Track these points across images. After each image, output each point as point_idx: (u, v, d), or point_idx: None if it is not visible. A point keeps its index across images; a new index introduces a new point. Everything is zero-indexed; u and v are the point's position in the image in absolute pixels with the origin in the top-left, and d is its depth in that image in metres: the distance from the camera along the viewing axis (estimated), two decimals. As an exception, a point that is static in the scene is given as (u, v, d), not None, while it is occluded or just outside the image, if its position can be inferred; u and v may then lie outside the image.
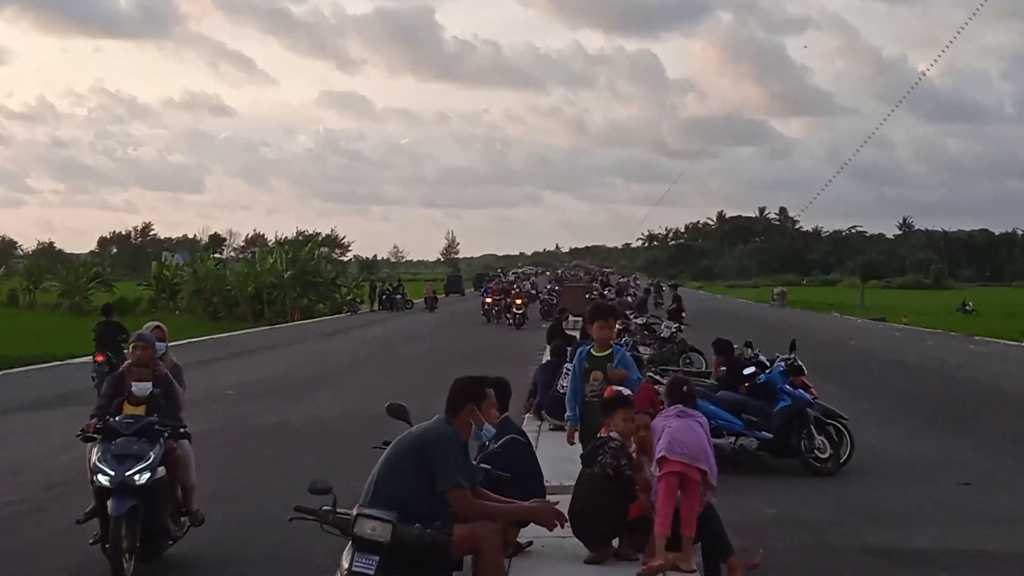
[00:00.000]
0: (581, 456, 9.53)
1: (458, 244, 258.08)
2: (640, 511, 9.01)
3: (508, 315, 52.92)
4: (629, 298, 44.22)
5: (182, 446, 10.50)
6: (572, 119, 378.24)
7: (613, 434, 9.15)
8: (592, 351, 10.88)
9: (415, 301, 77.39)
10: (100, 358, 21.64)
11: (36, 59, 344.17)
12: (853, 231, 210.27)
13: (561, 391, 16.02)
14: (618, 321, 31.78)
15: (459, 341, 41.35)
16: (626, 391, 9.73)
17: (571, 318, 36.34)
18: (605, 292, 57.52)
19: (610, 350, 10.81)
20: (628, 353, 14.05)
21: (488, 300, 58.49)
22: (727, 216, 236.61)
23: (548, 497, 8.67)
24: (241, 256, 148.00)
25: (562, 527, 8.03)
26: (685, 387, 9.48)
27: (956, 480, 14.87)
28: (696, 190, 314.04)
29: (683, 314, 36.68)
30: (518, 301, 52.52)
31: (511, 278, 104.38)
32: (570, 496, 10.56)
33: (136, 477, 9.40)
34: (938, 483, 14.82)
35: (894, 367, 32.97)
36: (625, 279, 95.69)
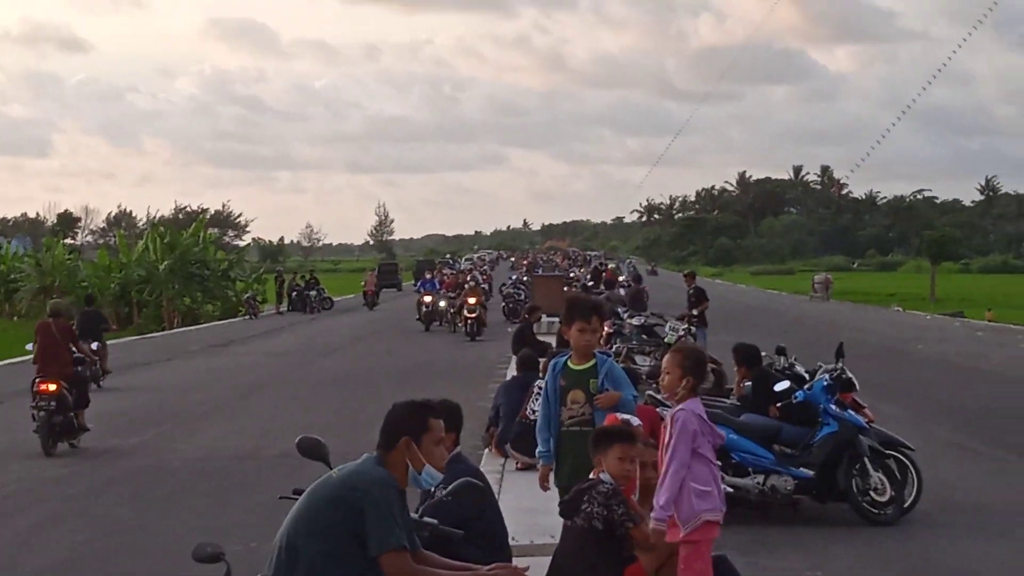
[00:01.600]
0: (560, 504, 9.52)
1: (392, 222, 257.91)
2: None
3: (460, 320, 50.37)
4: (621, 290, 43.93)
5: None
6: (546, 52, 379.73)
7: (604, 476, 9.12)
8: (570, 363, 10.71)
9: (336, 299, 77.26)
10: None
11: None
12: (920, 197, 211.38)
13: (531, 417, 16.03)
14: (605, 322, 32.01)
15: (396, 355, 41.25)
16: (634, 420, 9.73)
17: (544, 318, 36.37)
18: (591, 283, 57.56)
19: (593, 361, 10.63)
20: (620, 364, 14.10)
21: (427, 299, 55.58)
22: (752, 179, 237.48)
23: (514, 561, 8.65)
24: (101, 242, 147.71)
25: (534, 599, 7.90)
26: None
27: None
28: (712, 144, 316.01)
29: (695, 312, 36.54)
30: (470, 300, 49.00)
31: (464, 266, 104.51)
32: (546, 559, 10.60)
33: None
34: (1035, 534, 14.89)
35: (976, 380, 33.13)
36: (604, 265, 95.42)
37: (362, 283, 76.86)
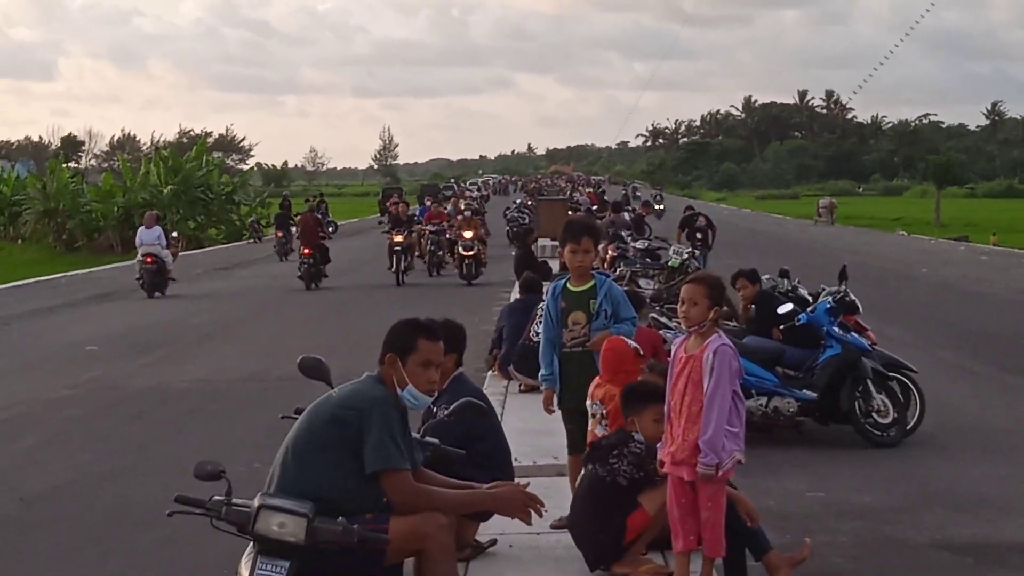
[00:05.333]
0: (586, 452, 9.51)
1: (396, 146, 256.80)
2: (643, 526, 9.00)
3: (453, 259, 42.01)
4: (626, 214, 43.73)
5: None
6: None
7: (637, 435, 9.10)
8: (568, 285, 10.62)
9: (341, 223, 77.02)
10: None
11: None
12: (925, 121, 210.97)
13: (535, 340, 16.00)
14: (602, 243, 31.94)
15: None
16: (631, 343, 9.68)
17: (548, 243, 36.32)
18: (594, 208, 57.38)
19: (592, 282, 10.52)
20: (624, 288, 14.07)
21: (398, 238, 40.76)
22: (757, 103, 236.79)
23: (516, 480, 8.63)
24: (105, 166, 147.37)
25: (540, 516, 7.88)
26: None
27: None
28: (720, 68, 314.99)
29: (700, 234, 36.57)
30: (466, 234, 39.95)
31: (471, 191, 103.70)
32: (549, 479, 10.63)
33: None
34: (1038, 455, 14.91)
35: (979, 303, 33.09)
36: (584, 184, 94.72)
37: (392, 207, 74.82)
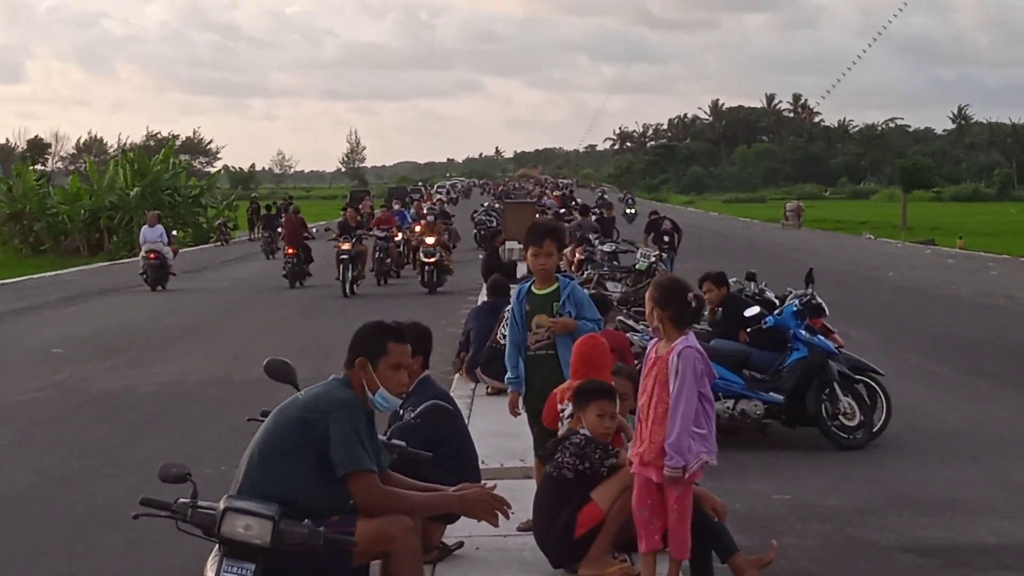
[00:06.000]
0: (540, 451, 9.55)
1: (364, 149, 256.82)
2: (595, 521, 8.99)
3: (414, 266, 40.29)
4: (593, 217, 43.74)
5: None
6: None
7: (583, 430, 9.12)
8: (533, 288, 10.60)
9: (310, 225, 76.74)
10: None
11: None
12: (892, 125, 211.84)
13: (502, 342, 16.01)
14: (578, 248, 31.94)
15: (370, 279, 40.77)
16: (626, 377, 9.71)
17: (516, 246, 36.28)
18: (561, 211, 57.42)
19: (555, 285, 10.51)
20: (591, 291, 14.07)
21: (345, 246, 37.07)
22: (724, 107, 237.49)
23: (483, 482, 8.64)
24: (72, 168, 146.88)
25: (507, 518, 7.88)
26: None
27: (1027, 455, 15.05)
28: (687, 72, 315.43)
29: (666, 237, 36.74)
30: (428, 239, 38.21)
31: (436, 193, 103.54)
32: (515, 482, 10.65)
33: None
34: (1003, 458, 14.98)
35: (946, 306, 33.26)
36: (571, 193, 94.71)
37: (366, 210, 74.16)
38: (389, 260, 40.69)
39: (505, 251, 36.00)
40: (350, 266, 36.40)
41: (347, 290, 35.83)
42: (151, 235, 40.60)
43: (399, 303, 32.87)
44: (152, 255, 40.15)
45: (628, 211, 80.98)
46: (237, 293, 39.05)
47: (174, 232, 51.97)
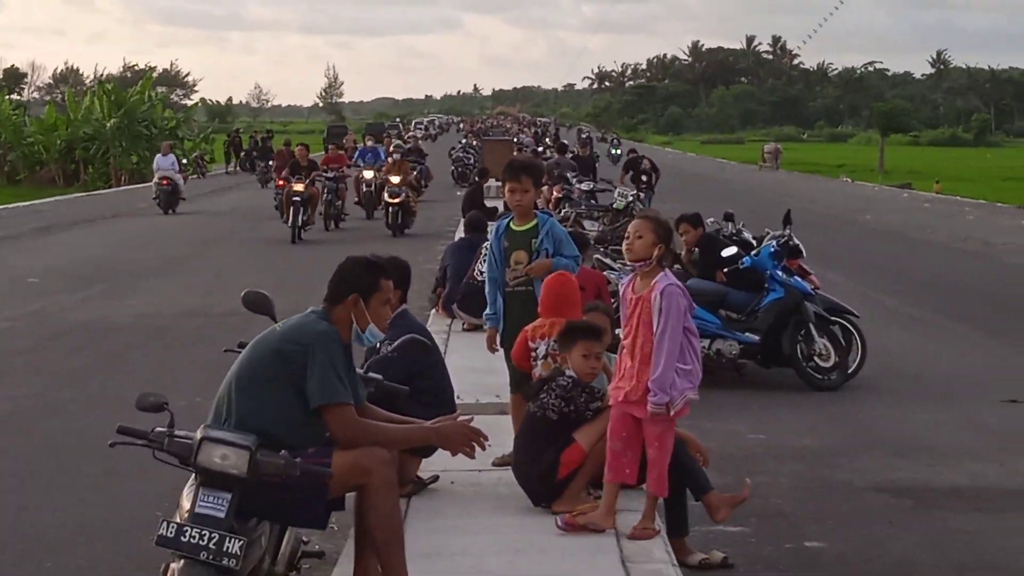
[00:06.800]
0: (524, 386, 9.58)
1: (341, 84, 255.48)
2: (578, 461, 9.01)
3: (380, 206, 36.95)
4: (569, 155, 43.48)
5: None
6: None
7: (568, 370, 9.14)
8: (512, 225, 10.55)
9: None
10: None
11: None
12: (871, 69, 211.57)
13: (479, 279, 16.00)
14: (556, 186, 31.90)
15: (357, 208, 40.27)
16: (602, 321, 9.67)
17: (494, 183, 36.16)
18: (539, 149, 57.28)
19: (534, 222, 10.44)
20: (568, 229, 14.04)
21: (298, 187, 34.21)
22: (704, 48, 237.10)
23: (459, 416, 8.63)
24: (48, 99, 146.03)
25: (483, 450, 7.82)
26: None
27: (1000, 397, 15.10)
28: (668, 12, 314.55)
29: (644, 177, 36.70)
30: (393, 179, 35.19)
31: (413, 131, 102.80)
32: (491, 417, 10.65)
33: None
34: (977, 401, 15.05)
35: (922, 250, 33.33)
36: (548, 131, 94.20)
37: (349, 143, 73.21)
38: (340, 203, 37.51)
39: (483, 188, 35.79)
40: (301, 209, 33.48)
41: (296, 235, 33.02)
42: (164, 163, 44.48)
43: (355, 249, 31.67)
44: (165, 181, 43.57)
45: (613, 151, 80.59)
46: (215, 224, 38.91)
47: (184, 161, 58.56)
